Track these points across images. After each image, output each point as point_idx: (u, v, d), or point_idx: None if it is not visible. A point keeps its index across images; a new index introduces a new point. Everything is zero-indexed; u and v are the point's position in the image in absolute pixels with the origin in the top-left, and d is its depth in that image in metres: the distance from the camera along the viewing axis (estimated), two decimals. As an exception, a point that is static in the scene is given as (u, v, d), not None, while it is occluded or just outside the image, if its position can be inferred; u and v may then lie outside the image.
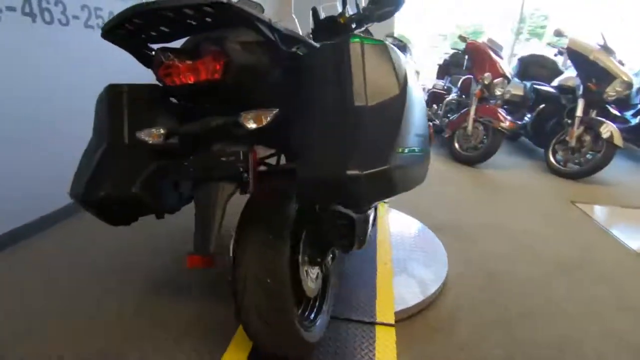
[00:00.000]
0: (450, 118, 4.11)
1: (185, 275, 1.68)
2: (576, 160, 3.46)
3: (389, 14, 1.62)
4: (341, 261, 1.70)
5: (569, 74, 3.78)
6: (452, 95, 4.52)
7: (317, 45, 0.98)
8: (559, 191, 3.14)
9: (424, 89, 5.37)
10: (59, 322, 1.39)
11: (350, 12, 1.67)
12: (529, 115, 4.25)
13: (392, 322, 1.37)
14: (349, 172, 0.74)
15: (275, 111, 0.87)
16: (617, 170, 3.70)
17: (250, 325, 1.02)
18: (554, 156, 3.62)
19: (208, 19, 0.80)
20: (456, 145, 3.84)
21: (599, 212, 2.75)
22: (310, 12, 1.72)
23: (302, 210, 1.11)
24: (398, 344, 1.29)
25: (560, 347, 1.40)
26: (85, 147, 1.07)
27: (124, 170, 0.95)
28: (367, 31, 1.89)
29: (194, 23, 0.83)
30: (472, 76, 3.84)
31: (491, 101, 3.71)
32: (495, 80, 3.55)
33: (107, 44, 0.95)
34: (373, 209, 1.20)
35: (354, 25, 1.67)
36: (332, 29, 1.62)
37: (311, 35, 1.78)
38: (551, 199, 2.95)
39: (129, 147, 0.97)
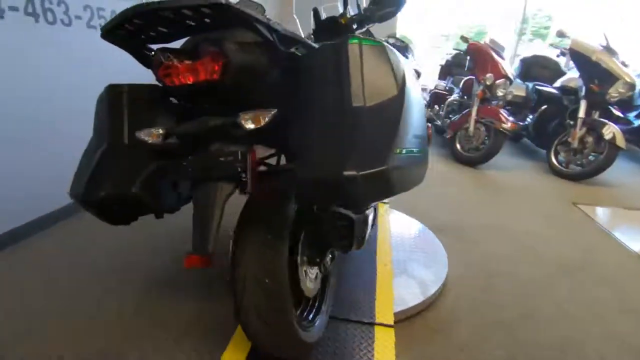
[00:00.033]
0: (452, 119, 4.11)
1: (185, 275, 1.68)
2: (578, 162, 3.45)
3: (390, 15, 1.62)
4: (341, 262, 1.70)
5: (572, 75, 3.77)
6: (454, 96, 4.52)
7: (316, 45, 0.98)
8: (560, 192, 3.13)
9: (425, 90, 5.37)
10: (59, 322, 1.39)
11: (352, 13, 1.67)
12: (531, 116, 4.24)
13: (392, 322, 1.37)
14: (347, 173, 0.74)
15: (274, 112, 0.87)
16: (619, 171, 3.69)
17: (249, 325, 1.02)
18: (556, 157, 3.61)
19: (207, 20, 0.80)
20: (458, 146, 3.84)
21: (601, 213, 2.74)
22: (312, 12, 1.72)
23: (302, 211, 1.11)
24: (397, 344, 1.29)
25: (562, 348, 1.39)
26: (86, 147, 1.07)
27: (123, 170, 0.96)
28: (368, 32, 1.89)
29: (193, 24, 0.83)
30: (474, 77, 3.83)
31: (493, 102, 3.71)
32: (497, 81, 3.54)
33: (109, 44, 0.95)
34: (372, 210, 1.20)
35: (355, 26, 1.67)
36: (333, 30, 1.62)
37: (312, 36, 1.78)
38: (553, 201, 2.94)
39: (129, 147, 0.97)
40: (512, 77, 3.64)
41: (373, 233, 1.99)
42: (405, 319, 1.47)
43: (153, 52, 0.94)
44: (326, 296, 1.33)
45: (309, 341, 1.12)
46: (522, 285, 1.77)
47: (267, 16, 1.37)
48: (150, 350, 1.28)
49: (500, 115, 3.46)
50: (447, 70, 5.15)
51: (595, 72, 3.27)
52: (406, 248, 1.94)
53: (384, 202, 2.44)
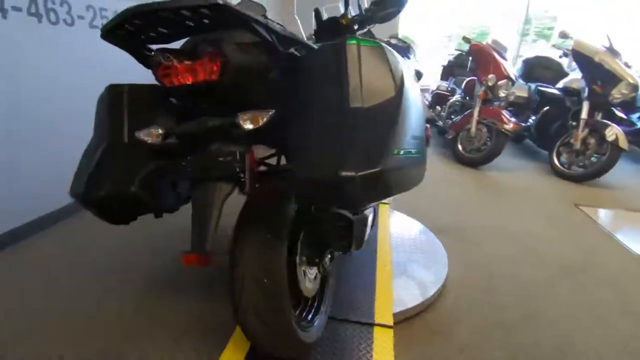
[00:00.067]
0: (454, 120, 4.10)
1: (185, 275, 1.68)
2: (580, 163, 3.44)
3: (392, 15, 1.62)
4: (340, 262, 1.70)
5: (575, 76, 3.76)
6: (456, 97, 4.51)
7: (315, 46, 0.98)
8: (562, 194, 3.12)
9: (427, 90, 5.36)
10: (58, 321, 1.39)
11: (353, 13, 1.67)
12: (533, 118, 4.22)
13: (391, 323, 1.36)
14: (344, 174, 0.74)
15: (272, 112, 0.88)
16: (622, 173, 3.67)
17: (248, 325, 1.02)
18: (558, 159, 3.60)
19: (206, 21, 0.81)
20: (459, 146, 3.83)
21: (603, 215, 2.73)
22: (313, 13, 1.72)
23: (301, 211, 1.11)
24: (396, 345, 1.29)
25: (563, 349, 1.39)
26: (86, 147, 1.08)
27: (123, 170, 0.96)
28: (369, 32, 1.89)
29: (192, 24, 0.83)
30: (476, 78, 3.82)
31: (495, 103, 3.70)
32: (499, 82, 3.54)
33: (111, 44, 0.96)
34: (372, 211, 1.20)
35: (356, 27, 1.67)
36: (334, 30, 1.62)
37: (314, 37, 1.79)
38: (555, 202, 2.93)
39: (129, 147, 0.98)
40: (514, 78, 3.63)
41: (373, 234, 1.99)
42: (404, 320, 1.47)
43: (153, 53, 0.94)
44: (325, 296, 1.33)
45: (308, 341, 1.12)
46: (523, 286, 1.77)
47: (268, 17, 1.37)
48: (150, 350, 1.28)
49: (502, 116, 3.45)
50: (450, 71, 5.14)
51: (598, 73, 3.25)
52: (406, 249, 1.94)
53: (385, 203, 2.43)
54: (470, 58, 3.93)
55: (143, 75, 1.08)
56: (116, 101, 1.00)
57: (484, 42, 3.81)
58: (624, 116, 3.57)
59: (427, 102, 5.20)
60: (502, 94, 3.58)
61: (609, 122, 3.23)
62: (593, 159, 3.36)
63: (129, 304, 1.51)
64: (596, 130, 3.28)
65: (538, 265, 1.96)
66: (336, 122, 0.82)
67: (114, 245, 1.92)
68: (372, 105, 0.82)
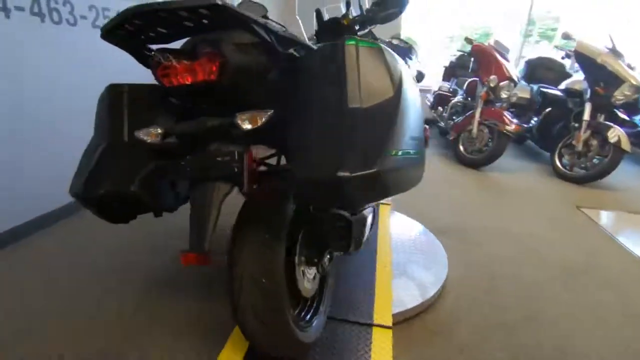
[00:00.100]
0: (455, 120, 4.09)
1: (185, 274, 1.69)
2: (582, 165, 3.42)
3: (393, 16, 1.62)
4: (340, 262, 1.70)
5: (577, 77, 3.74)
6: (458, 98, 4.50)
7: (314, 46, 0.98)
8: (564, 195, 3.11)
9: (429, 91, 5.35)
10: (58, 321, 1.40)
11: (354, 14, 1.67)
12: (535, 119, 4.21)
13: (390, 324, 1.36)
14: (341, 174, 0.75)
15: (270, 112, 0.88)
16: (624, 175, 3.66)
17: (246, 324, 1.03)
18: (560, 160, 3.59)
19: (205, 21, 0.81)
20: (461, 147, 3.82)
21: (605, 217, 2.72)
22: (314, 13, 1.73)
23: (300, 211, 1.11)
24: (395, 346, 1.28)
25: (563, 351, 1.39)
26: (86, 146, 1.08)
27: (122, 169, 0.96)
28: (370, 33, 1.89)
29: (191, 25, 0.84)
30: (477, 79, 3.82)
31: (497, 104, 3.69)
32: (501, 83, 3.53)
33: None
34: (371, 211, 1.20)
35: (357, 27, 1.67)
36: (335, 31, 1.62)
37: (315, 37, 1.79)
38: (556, 204, 2.92)
39: (128, 146, 0.98)
40: (516, 79, 3.62)
41: (373, 234, 1.99)
42: (404, 321, 1.47)
43: (152, 53, 0.94)
44: (324, 297, 1.33)
45: (306, 341, 1.12)
46: (524, 287, 1.76)
47: (270, 17, 1.37)
48: (150, 350, 1.28)
49: (504, 117, 3.45)
50: (452, 72, 5.12)
51: (601, 74, 3.24)
52: (406, 250, 1.93)
53: (386, 204, 2.43)
54: (472, 59, 3.92)
55: (145, 75, 1.08)
56: (116, 101, 1.01)
57: (486, 43, 3.80)
58: (626, 118, 3.55)
59: (428, 103, 5.19)
60: (504, 95, 3.58)
61: (612, 124, 3.21)
62: (595, 160, 3.35)
63: (129, 303, 1.51)
64: (598, 131, 3.27)
65: (539, 267, 1.95)
66: (334, 122, 0.82)
67: (114, 245, 1.93)
68: (370, 106, 0.82)
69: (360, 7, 1.66)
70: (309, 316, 1.24)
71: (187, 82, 0.87)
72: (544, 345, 1.41)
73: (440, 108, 4.83)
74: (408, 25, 5.67)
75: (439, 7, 6.09)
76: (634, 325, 1.56)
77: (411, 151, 0.89)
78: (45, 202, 2.12)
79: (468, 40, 3.91)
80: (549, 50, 5.20)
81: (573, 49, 3.44)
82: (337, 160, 0.77)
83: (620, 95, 3.20)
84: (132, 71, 1.17)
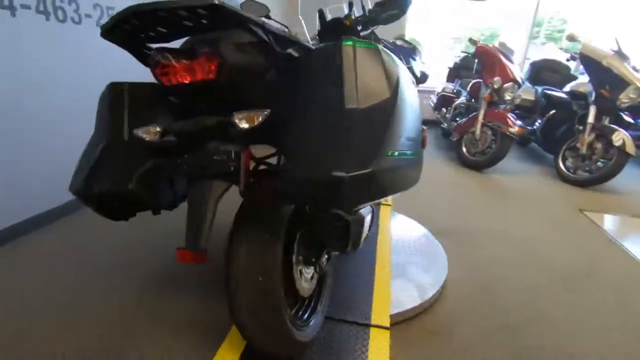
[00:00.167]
0: (459, 122, 4.08)
1: (185, 273, 1.70)
2: (586, 168, 3.40)
3: (395, 17, 1.62)
4: (339, 262, 1.70)
5: (582, 79, 3.72)
6: (461, 99, 4.48)
7: (312, 47, 0.99)
8: (567, 199, 3.09)
9: (433, 92, 5.33)
10: (58, 320, 1.41)
11: (357, 14, 1.68)
12: (539, 121, 4.19)
13: (387, 324, 1.36)
14: (336, 174, 0.75)
15: (267, 112, 0.88)
16: (628, 178, 3.63)
17: (243, 323, 1.03)
18: (563, 163, 3.57)
19: (204, 21, 0.82)
20: (464, 149, 3.81)
21: (608, 221, 2.70)
22: (317, 13, 1.73)
23: (298, 210, 1.11)
24: (393, 347, 1.29)
25: (564, 352, 1.38)
26: (87, 144, 1.09)
27: (121, 167, 0.97)
28: (373, 33, 1.89)
29: (190, 24, 0.84)
30: (481, 80, 3.80)
31: (501, 106, 3.67)
32: (505, 85, 3.51)
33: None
34: (370, 212, 1.20)
35: (359, 28, 1.68)
36: (338, 31, 1.63)
37: (317, 37, 1.79)
38: (559, 206, 2.90)
39: (128, 144, 0.99)
40: (520, 81, 3.60)
41: (373, 235, 1.99)
42: (402, 322, 1.47)
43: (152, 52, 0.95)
44: (322, 296, 1.33)
45: (303, 340, 1.13)
46: (525, 290, 1.76)
47: (272, 17, 1.38)
48: (149, 348, 1.29)
49: (508, 119, 3.43)
50: (456, 73, 5.10)
51: (606, 77, 3.22)
52: (406, 251, 1.93)
53: (387, 204, 2.43)
54: (476, 60, 3.90)
55: (147, 74, 1.09)
56: (116, 99, 1.02)
57: (491, 45, 3.79)
58: (631, 121, 3.52)
59: (432, 104, 5.18)
60: (507, 96, 3.56)
61: (616, 127, 3.19)
62: (599, 163, 3.32)
63: (129, 301, 1.52)
64: (603, 134, 3.24)
65: (540, 269, 1.94)
66: (331, 122, 0.83)
67: (115, 243, 1.94)
68: (367, 107, 0.83)
69: (363, 7, 1.66)
70: (306, 315, 1.24)
71: (185, 81, 0.88)
72: (545, 347, 1.40)
73: (443, 109, 4.82)
74: (413, 26, 5.66)
75: (444, 8, 6.07)
76: (635, 327, 1.55)
77: (408, 152, 0.89)
78: (46, 200, 2.13)
79: (472, 41, 3.90)
80: (555, 52, 5.17)
81: (578, 51, 3.42)
82: (333, 160, 0.77)
83: (626, 98, 3.17)
84: (135, 70, 1.18)
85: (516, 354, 1.36)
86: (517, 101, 3.70)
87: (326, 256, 1.26)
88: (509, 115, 3.50)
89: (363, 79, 0.84)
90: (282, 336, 1.05)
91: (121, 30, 0.86)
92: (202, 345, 1.30)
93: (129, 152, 0.98)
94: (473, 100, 4.22)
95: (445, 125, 4.62)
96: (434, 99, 5.19)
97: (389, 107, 0.86)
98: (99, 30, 0.90)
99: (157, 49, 0.91)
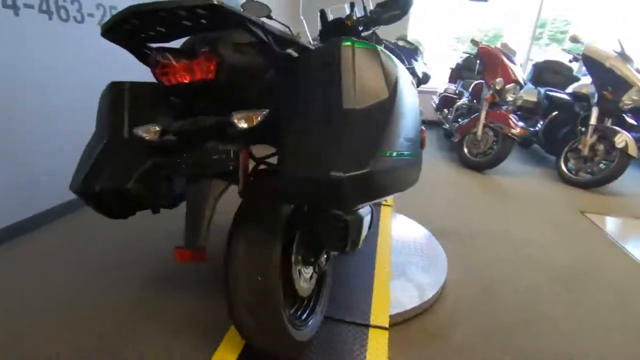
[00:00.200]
0: (460, 123, 4.07)
1: (185, 272, 1.70)
2: (588, 170, 3.39)
3: (396, 18, 1.63)
4: (339, 262, 1.70)
5: (585, 81, 3.70)
6: (463, 100, 4.47)
7: (311, 47, 0.99)
8: (569, 200, 3.08)
9: (435, 93, 5.32)
10: (59, 319, 1.41)
11: (358, 15, 1.68)
12: (541, 122, 4.18)
13: (386, 325, 1.36)
14: (333, 174, 0.75)
15: (265, 112, 0.89)
16: (630, 180, 3.61)
17: (241, 322, 1.03)
18: (565, 164, 3.55)
19: (203, 21, 0.82)
20: (465, 150, 3.80)
21: (610, 223, 2.69)
22: (319, 14, 1.73)
23: (297, 210, 1.12)
24: (392, 347, 1.29)
25: (564, 354, 1.38)
26: (88, 142, 1.10)
27: (121, 165, 0.98)
28: (374, 34, 1.90)
29: (190, 24, 0.85)
30: (483, 81, 3.79)
31: (503, 107, 3.66)
32: (507, 86, 3.50)
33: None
34: (369, 212, 1.20)
35: (361, 28, 1.68)
36: (339, 31, 1.63)
37: (319, 37, 1.80)
38: (561, 208, 2.90)
39: (127, 143, 0.99)
40: (522, 82, 3.59)
41: (373, 235, 1.99)
42: (401, 322, 1.48)
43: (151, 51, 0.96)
44: (321, 296, 1.33)
45: (302, 340, 1.13)
46: (524, 291, 1.75)
47: (274, 17, 1.38)
48: (148, 347, 1.30)
49: (510, 120, 3.42)
50: (458, 74, 5.10)
51: (609, 78, 3.20)
52: (406, 251, 1.93)
53: (388, 205, 2.43)
54: (478, 61, 3.90)
55: (149, 73, 1.09)
56: (117, 98, 1.02)
57: (493, 46, 3.78)
58: (634, 123, 3.50)
59: (434, 105, 5.17)
60: (509, 97, 3.55)
61: (619, 129, 3.18)
62: (601, 165, 3.31)
63: (129, 300, 1.53)
64: (605, 136, 3.23)
65: (540, 271, 1.94)
66: (329, 122, 0.83)
67: (116, 241, 1.95)
68: (365, 107, 0.83)
69: (364, 8, 1.66)
70: (305, 315, 1.25)
71: (185, 81, 0.88)
72: (544, 348, 1.40)
73: (445, 110, 4.81)
74: (416, 26, 5.65)
75: (444, 8, 6.06)
76: (634, 328, 1.55)
77: (406, 152, 0.89)
78: (46, 198, 2.14)
79: (474, 42, 3.89)
80: (558, 54, 5.15)
81: (581, 53, 3.41)
82: (331, 160, 0.77)
83: (628, 100, 3.16)
84: (137, 69, 1.19)
85: (516, 355, 1.35)
86: (519, 102, 3.69)
87: (325, 256, 1.27)
88: (511, 116, 3.49)
89: (361, 79, 0.84)
90: (280, 335, 1.05)
91: (121, 30, 0.87)
92: (201, 344, 1.30)
93: (129, 151, 0.99)
94: (475, 101, 4.22)
95: (447, 126, 4.62)
96: (436, 99, 5.18)
97: (387, 108, 0.87)
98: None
99: (157, 48, 0.92)
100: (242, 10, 1.13)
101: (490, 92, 3.57)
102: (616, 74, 3.15)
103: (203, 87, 0.88)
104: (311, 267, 1.24)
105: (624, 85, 3.14)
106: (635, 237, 2.51)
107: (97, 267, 1.75)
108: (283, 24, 1.56)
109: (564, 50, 3.85)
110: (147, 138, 0.94)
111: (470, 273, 1.87)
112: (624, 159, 3.09)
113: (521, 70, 3.76)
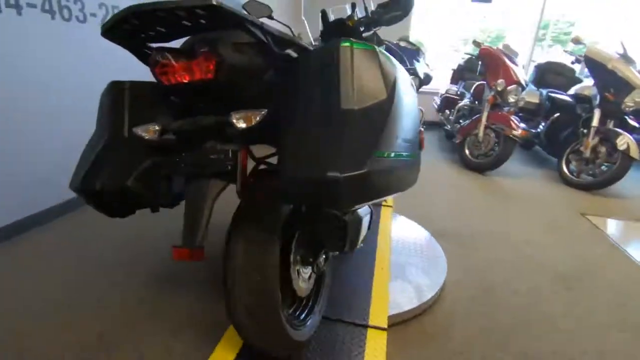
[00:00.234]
0: (462, 124, 4.07)
1: (184, 272, 1.71)
2: (590, 172, 3.38)
3: (398, 18, 1.63)
4: (339, 263, 1.71)
5: (587, 82, 3.69)
6: (465, 101, 4.47)
7: (310, 47, 0.99)
8: (570, 202, 3.07)
9: (437, 94, 5.32)
10: (59, 318, 1.42)
11: (360, 15, 1.68)
12: (543, 124, 4.17)
13: (385, 325, 1.36)
14: (330, 174, 0.75)
15: (264, 112, 0.89)
16: (632, 183, 3.60)
17: (240, 322, 1.04)
18: (567, 166, 3.54)
19: (202, 21, 0.82)
20: (467, 151, 3.80)
21: (610, 225, 2.68)
22: (320, 14, 1.74)
23: (296, 210, 1.12)
24: (390, 347, 1.29)
25: (562, 355, 1.38)
26: (88, 141, 1.10)
27: (120, 164, 0.98)
28: (375, 34, 1.90)
29: (189, 24, 0.85)
30: (485, 82, 3.79)
31: (504, 108, 3.66)
32: (509, 87, 3.50)
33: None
34: (368, 212, 1.20)
35: (362, 29, 1.68)
36: (340, 32, 1.63)
37: (320, 38, 1.80)
38: (561, 210, 2.89)
39: (127, 142, 1.00)
40: (524, 84, 3.59)
41: (372, 235, 1.99)
42: (400, 323, 1.48)
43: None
44: (320, 296, 1.33)
45: (299, 340, 1.13)
46: (523, 292, 1.75)
47: (275, 17, 1.38)
48: (148, 346, 1.30)
49: (511, 122, 3.42)
50: (459, 75, 5.09)
51: (611, 80, 3.19)
52: (406, 252, 1.93)
53: (388, 206, 2.43)
54: (480, 62, 3.89)
55: (150, 73, 1.10)
56: (117, 97, 1.03)
57: (495, 47, 3.77)
58: (636, 125, 3.49)
59: (435, 106, 5.16)
60: (511, 99, 3.54)
61: (621, 131, 3.16)
62: (603, 167, 3.30)
63: (130, 298, 1.53)
64: (607, 138, 3.22)
65: (539, 273, 1.94)
66: (327, 123, 0.83)
67: (116, 240, 1.96)
68: (363, 108, 0.83)
69: (366, 8, 1.67)
70: (303, 315, 1.25)
71: (184, 81, 0.88)
72: (543, 349, 1.40)
73: (447, 111, 4.80)
74: (418, 27, 5.65)
75: (446, 9, 6.05)
76: (634, 329, 1.55)
77: (404, 153, 0.89)
78: (47, 197, 2.15)
79: (476, 43, 3.89)
80: (561, 55, 5.14)
81: (583, 54, 3.40)
82: (329, 160, 0.78)
83: (631, 102, 3.14)
84: (139, 69, 1.19)
85: (515, 355, 1.35)
86: (521, 104, 3.68)
87: (324, 256, 1.27)
88: (513, 117, 3.48)
89: (360, 80, 0.85)
90: (278, 335, 1.05)
91: (121, 30, 0.87)
92: (200, 343, 1.31)
93: (129, 150, 0.99)
94: (476, 102, 4.21)
95: (449, 127, 4.61)
96: (437, 100, 5.18)
97: (386, 108, 0.87)
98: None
99: (157, 48, 0.92)
100: (243, 10, 1.14)
101: (492, 93, 3.56)
102: (618, 75, 3.14)
103: (202, 86, 0.89)
104: (310, 267, 1.24)
105: (626, 87, 3.13)
106: (636, 240, 2.50)
107: (97, 266, 1.75)
108: (284, 25, 1.56)
109: (566, 51, 3.84)
110: (147, 137, 0.94)
111: (470, 274, 1.87)
112: (625, 161, 3.08)
113: (523, 72, 3.76)
